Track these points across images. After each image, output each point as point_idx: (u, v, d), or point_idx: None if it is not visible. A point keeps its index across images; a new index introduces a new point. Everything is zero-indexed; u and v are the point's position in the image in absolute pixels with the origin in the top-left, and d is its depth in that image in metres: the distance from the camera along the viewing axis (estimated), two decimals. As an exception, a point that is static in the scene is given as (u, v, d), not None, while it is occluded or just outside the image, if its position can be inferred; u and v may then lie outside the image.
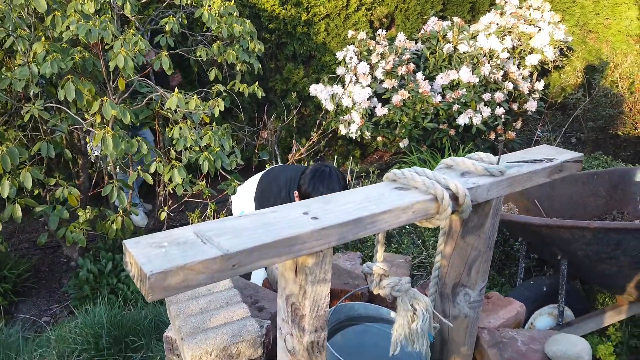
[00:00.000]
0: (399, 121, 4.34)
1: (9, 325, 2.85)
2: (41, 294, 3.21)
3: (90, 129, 2.67)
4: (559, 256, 2.44)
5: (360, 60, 4.51)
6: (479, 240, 1.40)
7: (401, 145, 4.44)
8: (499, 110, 4.38)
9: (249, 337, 1.45)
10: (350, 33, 4.70)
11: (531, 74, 4.85)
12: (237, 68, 3.49)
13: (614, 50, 5.94)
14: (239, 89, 3.37)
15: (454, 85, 4.46)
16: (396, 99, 4.26)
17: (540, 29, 4.91)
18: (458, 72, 4.38)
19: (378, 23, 5.14)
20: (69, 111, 2.67)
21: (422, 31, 4.98)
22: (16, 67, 2.62)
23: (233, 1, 3.42)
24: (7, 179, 2.42)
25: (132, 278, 0.87)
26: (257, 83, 3.42)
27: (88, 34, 2.45)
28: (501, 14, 5.11)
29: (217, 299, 1.62)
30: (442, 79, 4.41)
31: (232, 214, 3.24)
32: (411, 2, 5.18)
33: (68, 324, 2.61)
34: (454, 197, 1.20)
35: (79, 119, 2.67)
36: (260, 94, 3.38)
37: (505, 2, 5.20)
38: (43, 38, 2.55)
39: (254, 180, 2.73)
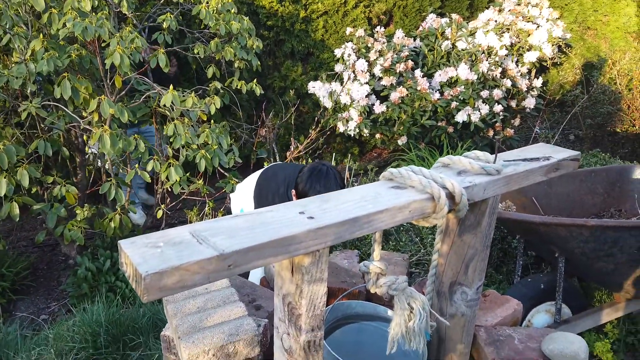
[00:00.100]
0: (397, 118, 4.34)
1: (7, 324, 2.85)
2: (39, 292, 3.21)
3: (88, 127, 2.67)
4: (557, 254, 2.45)
5: (358, 58, 4.50)
6: (476, 239, 1.40)
7: (399, 142, 4.44)
8: (497, 108, 4.37)
9: (246, 336, 1.45)
10: (349, 30, 4.69)
11: (529, 71, 4.85)
12: (236, 65, 3.48)
13: (613, 47, 5.94)
14: (237, 86, 3.36)
15: (452, 83, 4.46)
16: (394, 96, 4.25)
17: (538, 26, 4.91)
18: (456, 69, 4.38)
19: (376, 20, 5.13)
20: (65, 109, 2.66)
21: (420, 28, 4.97)
22: (13, 65, 2.61)
23: (231, -2, 3.41)
24: (5, 177, 2.42)
25: (127, 278, 0.87)
26: (255, 80, 3.42)
27: (84, 31, 2.44)
28: (499, 10, 5.10)
29: (214, 297, 1.62)
30: (440, 76, 4.41)
31: (230, 212, 3.24)
32: (409, -1, 5.18)
33: (66, 322, 2.61)
34: (451, 196, 1.20)
35: (76, 117, 2.66)
36: (258, 91, 3.37)
37: (504, -1, 5.20)
38: (41, 35, 2.54)
39: (252, 179, 2.73)
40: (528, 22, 4.93)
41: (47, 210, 2.69)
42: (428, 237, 3.33)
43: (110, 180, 2.75)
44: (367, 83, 4.36)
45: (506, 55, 4.62)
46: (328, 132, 4.69)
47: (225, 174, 3.01)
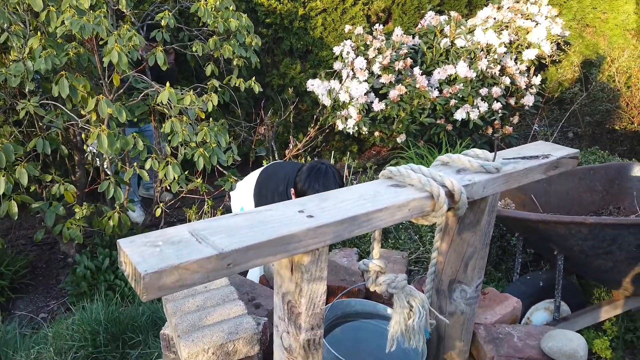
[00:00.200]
0: (396, 116, 4.34)
1: (6, 322, 2.85)
2: (38, 290, 3.21)
3: (86, 125, 2.66)
4: (556, 251, 2.45)
5: (357, 55, 4.49)
6: (475, 237, 1.40)
7: (398, 140, 4.44)
8: (496, 105, 4.37)
9: (245, 334, 1.45)
10: (347, 28, 4.68)
11: (528, 69, 4.84)
12: (234, 63, 3.47)
13: (611, 45, 5.94)
14: (236, 84, 3.35)
15: (451, 80, 4.45)
16: (393, 94, 4.25)
17: (537, 24, 4.90)
18: (455, 67, 4.37)
19: (375, 17, 5.13)
20: (63, 108, 2.66)
21: (419, 26, 4.96)
22: (11, 63, 2.61)
23: (229, -4, 3.40)
24: (3, 176, 2.41)
25: (127, 277, 0.87)
26: (253, 78, 3.41)
27: (82, 29, 2.43)
28: (498, 8, 5.10)
29: (214, 296, 1.62)
30: (439, 74, 4.40)
31: (230, 210, 3.24)
32: (408, -4, 5.17)
33: (65, 321, 2.61)
34: (450, 195, 1.20)
35: (74, 116, 2.66)
36: (257, 89, 3.37)
37: (503, -4, 5.19)
38: (39, 33, 2.53)
39: (253, 177, 2.73)
40: (527, 19, 4.92)
41: (45, 209, 2.68)
42: (427, 234, 3.34)
43: (109, 178, 2.75)
44: (365, 81, 4.35)
45: (505, 53, 4.61)
46: (327, 130, 4.69)
47: (224, 172, 3.01)
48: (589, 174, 3.08)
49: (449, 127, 4.37)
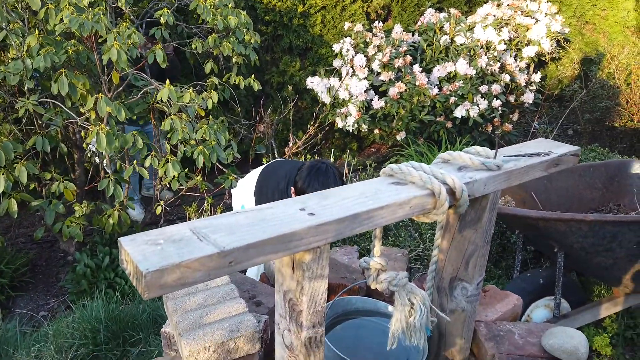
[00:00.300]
0: (395, 114, 4.33)
1: (7, 320, 2.85)
2: (38, 288, 3.21)
3: (85, 123, 2.65)
4: (556, 249, 2.45)
5: (356, 53, 4.49)
6: (476, 235, 1.40)
7: (398, 138, 4.44)
8: (496, 103, 4.37)
9: (246, 332, 1.45)
10: (347, 25, 4.67)
11: (528, 66, 4.84)
12: (233, 60, 3.46)
13: (611, 42, 5.93)
14: (235, 81, 3.35)
15: (451, 78, 4.45)
16: (393, 91, 4.24)
17: (537, 21, 4.90)
18: (455, 64, 4.37)
19: (375, 15, 5.12)
20: (62, 106, 2.65)
21: (418, 23, 4.96)
22: (9, 61, 2.60)
23: (228, -7, 3.39)
24: (2, 174, 2.41)
25: (128, 276, 0.87)
26: (253, 76, 3.40)
27: (81, 27, 2.42)
28: (498, 5, 5.09)
29: (215, 294, 1.62)
30: (439, 71, 4.40)
31: (230, 208, 3.24)
32: (408, -7, 5.16)
33: (66, 319, 2.61)
34: (451, 192, 1.20)
35: (73, 114, 2.65)
36: (256, 86, 3.36)
37: (502, -6, 5.18)
38: (36, 31, 2.53)
39: (253, 175, 2.73)
40: (527, 16, 4.92)
41: (45, 207, 2.68)
42: (427, 232, 3.34)
43: (109, 176, 2.74)
44: (365, 78, 4.35)
45: (505, 50, 4.61)
46: (326, 128, 4.68)
47: (224, 169, 3.00)
48: (589, 171, 3.08)
49: (449, 124, 4.37)
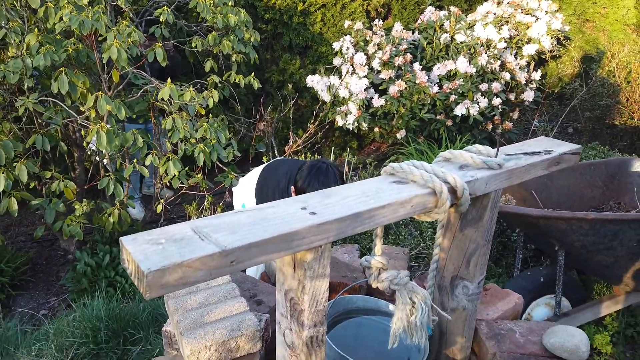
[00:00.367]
0: (396, 112, 4.33)
1: (7, 319, 2.85)
2: (39, 287, 3.21)
3: (85, 122, 2.65)
4: (557, 247, 2.45)
5: (356, 51, 4.48)
6: (478, 233, 1.40)
7: (398, 136, 4.43)
8: (496, 101, 4.37)
9: (247, 331, 1.45)
10: (347, 23, 4.66)
11: (528, 64, 4.84)
12: (233, 59, 3.46)
13: (611, 40, 5.92)
14: (235, 80, 3.34)
15: (451, 76, 4.44)
16: (393, 89, 4.24)
17: (537, 19, 4.89)
18: (455, 63, 4.36)
19: (375, 13, 5.11)
20: (62, 105, 2.64)
21: (419, 21, 4.95)
22: (9, 60, 2.59)
23: (228, -9, 3.38)
24: (3, 173, 2.40)
25: (129, 275, 0.86)
26: (253, 74, 3.40)
27: (81, 25, 2.42)
28: (498, 3, 5.08)
29: (216, 293, 1.62)
30: (439, 70, 4.39)
31: (230, 206, 3.24)
32: (408, -9, 5.15)
33: (66, 318, 2.61)
34: (453, 191, 1.20)
35: (73, 112, 2.65)
36: (256, 85, 3.36)
37: (503, -9, 5.17)
38: (36, 30, 2.52)
39: (254, 174, 2.72)
40: (527, 14, 4.91)
41: (45, 206, 2.68)
42: (427, 230, 3.33)
43: (109, 175, 2.74)
44: (365, 76, 4.34)
45: (505, 48, 4.60)
46: (327, 126, 4.68)
47: (224, 168, 3.00)
48: (589, 170, 3.08)
49: (449, 122, 4.36)
